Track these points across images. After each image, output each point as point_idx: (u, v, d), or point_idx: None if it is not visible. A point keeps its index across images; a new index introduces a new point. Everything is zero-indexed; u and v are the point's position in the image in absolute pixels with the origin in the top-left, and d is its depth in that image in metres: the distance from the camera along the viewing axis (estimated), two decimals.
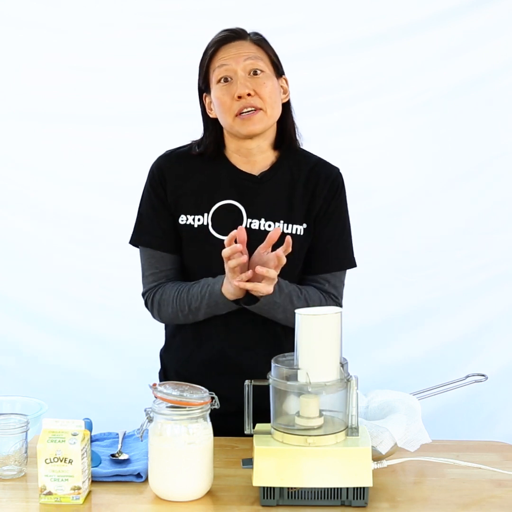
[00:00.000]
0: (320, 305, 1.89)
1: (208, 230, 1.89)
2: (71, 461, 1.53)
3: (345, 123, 2.99)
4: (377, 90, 2.99)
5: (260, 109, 1.84)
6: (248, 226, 1.89)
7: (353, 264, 1.99)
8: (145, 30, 2.97)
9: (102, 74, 2.99)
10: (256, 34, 1.90)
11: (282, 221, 1.90)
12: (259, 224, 1.89)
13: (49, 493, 1.54)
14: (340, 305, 1.96)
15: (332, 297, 1.94)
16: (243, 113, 1.83)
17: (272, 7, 2.91)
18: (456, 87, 2.97)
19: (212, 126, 1.93)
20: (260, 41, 1.89)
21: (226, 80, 1.85)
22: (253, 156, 1.92)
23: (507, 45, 2.94)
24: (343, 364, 1.55)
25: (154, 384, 1.58)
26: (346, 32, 2.96)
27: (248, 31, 1.90)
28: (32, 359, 3.07)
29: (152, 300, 1.94)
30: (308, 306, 1.86)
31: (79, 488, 1.54)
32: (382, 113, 3.00)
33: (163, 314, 1.93)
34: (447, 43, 2.95)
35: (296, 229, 1.91)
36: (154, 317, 1.97)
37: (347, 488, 1.51)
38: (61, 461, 1.53)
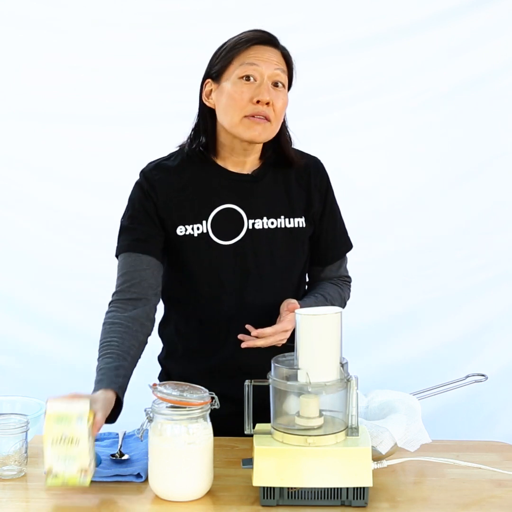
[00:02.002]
0: (341, 298, 1.97)
1: (209, 237, 1.86)
2: (77, 441, 1.51)
3: (345, 123, 2.99)
4: (377, 90, 2.99)
5: (270, 121, 1.82)
6: (250, 227, 1.88)
7: (352, 246, 2.04)
8: (145, 30, 2.97)
9: (102, 74, 2.99)
10: (285, 49, 1.89)
11: (283, 216, 1.91)
12: (262, 223, 1.89)
13: (56, 475, 1.52)
14: (350, 281, 2.04)
15: (345, 280, 2.02)
16: (254, 116, 1.80)
17: (272, 7, 2.91)
18: (456, 87, 2.98)
19: (209, 116, 1.89)
20: (287, 57, 1.88)
21: (248, 78, 1.81)
22: (245, 157, 1.90)
23: (507, 45, 2.94)
24: (343, 364, 1.55)
25: (154, 384, 1.58)
26: (346, 32, 2.97)
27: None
28: (32, 359, 3.07)
29: (107, 311, 1.87)
30: (332, 305, 1.91)
31: (86, 469, 1.52)
32: (382, 113, 3.00)
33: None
34: (447, 43, 2.96)
35: (298, 222, 1.92)
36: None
37: (347, 488, 1.51)
38: (67, 442, 1.51)
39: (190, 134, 1.93)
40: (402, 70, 2.99)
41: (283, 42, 1.91)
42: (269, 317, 1.85)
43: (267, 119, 1.82)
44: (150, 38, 2.97)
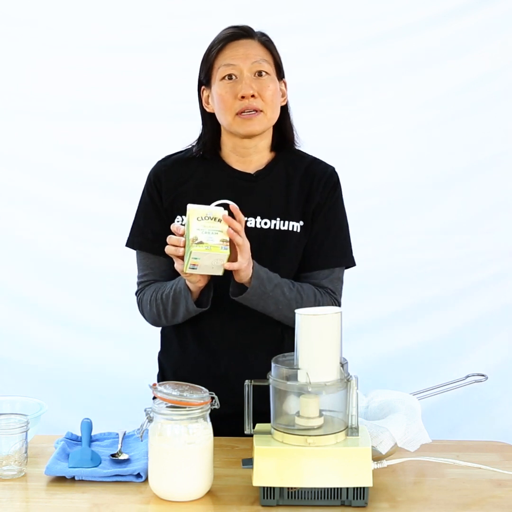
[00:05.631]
0: (315, 299, 1.87)
1: None
2: (220, 220, 1.67)
3: (345, 123, 2.99)
4: (377, 89, 2.99)
5: (261, 111, 1.85)
6: None
7: (351, 263, 1.97)
8: (145, 30, 2.98)
9: (104, 72, 3.01)
10: (263, 34, 1.91)
11: (278, 218, 1.90)
12: (255, 222, 1.89)
13: (201, 242, 1.64)
14: (338, 301, 1.93)
15: (329, 292, 1.91)
16: (244, 113, 1.84)
17: (273, 7, 2.92)
18: (456, 87, 2.98)
19: (210, 121, 1.94)
20: (267, 43, 1.90)
21: (230, 77, 1.85)
22: (249, 155, 1.93)
23: (507, 45, 2.94)
24: (343, 364, 1.55)
25: (154, 384, 1.58)
26: (346, 32, 2.97)
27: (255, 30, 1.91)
28: (38, 352, 3.08)
29: (139, 300, 1.96)
30: (301, 298, 1.84)
31: (227, 241, 1.66)
32: (382, 113, 3.00)
33: (146, 313, 1.95)
34: (447, 43, 2.96)
35: (292, 226, 1.90)
36: (141, 314, 1.98)
37: (347, 488, 1.51)
38: (211, 219, 1.66)
39: (197, 140, 1.98)
40: (402, 70, 2.99)
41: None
42: (250, 314, 1.86)
43: (258, 111, 1.84)
44: (150, 38, 2.98)
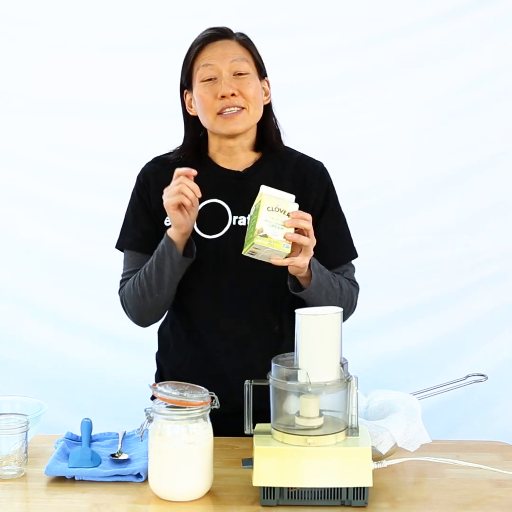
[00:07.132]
0: (349, 287, 1.91)
1: (194, 229, 1.88)
2: (289, 214, 1.67)
3: (345, 123, 3.00)
4: (377, 89, 2.99)
5: (243, 108, 1.85)
6: (234, 223, 1.89)
7: (356, 253, 2.01)
8: (145, 30, 2.99)
9: (105, 73, 3.01)
10: (242, 34, 1.91)
11: None
12: (246, 220, 1.89)
13: (265, 235, 1.65)
14: (358, 289, 1.99)
15: (353, 283, 1.96)
16: (225, 112, 1.84)
17: (272, 7, 2.92)
18: (456, 87, 2.98)
19: (192, 125, 1.95)
20: (246, 42, 1.90)
21: (210, 79, 1.86)
22: (235, 154, 1.93)
23: (507, 45, 2.94)
24: (343, 364, 1.55)
25: (154, 384, 1.58)
26: (346, 32, 2.97)
27: (234, 30, 1.91)
28: (38, 353, 3.09)
29: (122, 293, 1.94)
30: (341, 288, 1.88)
31: (288, 241, 1.67)
32: (382, 113, 3.00)
33: (130, 304, 1.91)
34: (447, 43, 2.96)
35: None
36: (125, 312, 1.96)
37: (347, 488, 1.51)
38: (280, 212, 1.66)
39: (180, 145, 1.99)
40: (402, 70, 2.99)
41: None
42: (246, 313, 1.87)
43: (240, 108, 1.84)
44: (153, 37, 2.98)
